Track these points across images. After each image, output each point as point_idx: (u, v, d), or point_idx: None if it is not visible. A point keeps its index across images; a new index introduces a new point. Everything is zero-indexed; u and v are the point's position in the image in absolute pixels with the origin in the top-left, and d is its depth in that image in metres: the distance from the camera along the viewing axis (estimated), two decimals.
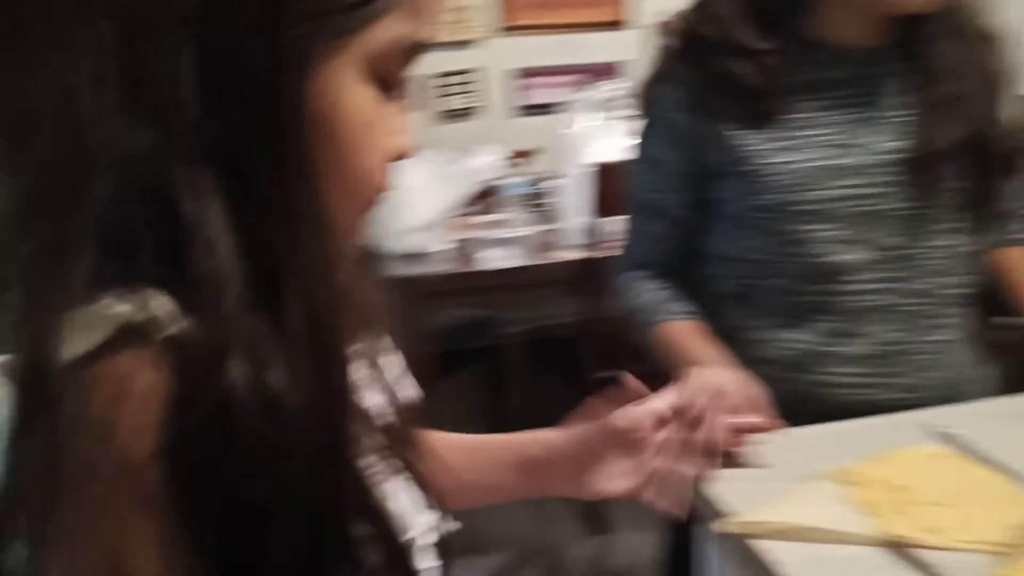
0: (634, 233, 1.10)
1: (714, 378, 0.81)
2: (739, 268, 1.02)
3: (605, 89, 2.24)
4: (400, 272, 2.08)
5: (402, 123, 0.46)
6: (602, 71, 2.89)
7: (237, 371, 0.34)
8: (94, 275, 0.35)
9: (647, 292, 1.06)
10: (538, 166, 2.67)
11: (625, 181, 1.11)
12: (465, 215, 2.37)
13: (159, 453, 0.33)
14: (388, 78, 0.43)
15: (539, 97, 3.09)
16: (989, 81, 0.97)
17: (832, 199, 0.93)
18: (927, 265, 0.96)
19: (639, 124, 1.06)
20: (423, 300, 1.99)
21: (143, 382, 0.33)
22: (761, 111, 0.94)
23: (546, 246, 2.14)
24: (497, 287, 2.09)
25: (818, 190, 0.93)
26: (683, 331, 1.01)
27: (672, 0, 1.05)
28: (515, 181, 2.36)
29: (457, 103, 3.07)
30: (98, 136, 0.36)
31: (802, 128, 0.94)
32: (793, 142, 0.94)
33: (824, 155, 0.93)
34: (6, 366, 0.33)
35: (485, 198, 2.49)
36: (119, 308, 0.34)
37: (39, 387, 0.32)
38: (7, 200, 0.37)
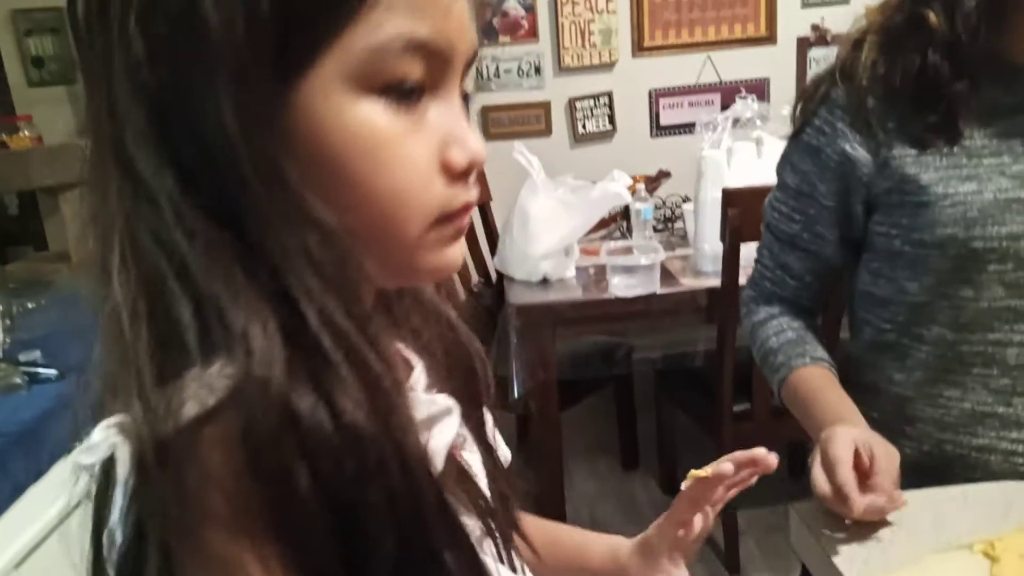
0: (766, 265, 1.03)
1: (847, 444, 0.76)
2: (892, 311, 0.93)
3: (743, 109, 2.16)
4: (529, 300, 2.09)
5: (451, 130, 0.42)
6: (742, 89, 2.79)
7: (302, 403, 0.35)
8: (200, 340, 0.36)
9: (775, 333, 0.99)
10: (672, 190, 2.61)
11: (762, 207, 1.03)
12: (595, 241, 2.36)
13: (265, 496, 0.34)
14: (398, 84, 0.39)
15: (675, 118, 3.03)
16: None
17: (1016, 236, 0.83)
18: None
19: (788, 147, 0.98)
20: (553, 327, 2.01)
21: (241, 438, 0.34)
22: (942, 134, 0.85)
23: (678, 272, 2.08)
24: (627, 314, 2.05)
25: (1002, 226, 0.83)
26: (812, 383, 0.93)
27: (819, 12, 0.96)
28: (648, 206, 2.32)
29: (591, 126, 3.07)
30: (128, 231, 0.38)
31: (988, 155, 0.85)
32: (977, 171, 0.84)
33: (1012, 185, 0.84)
34: (122, 426, 0.35)
35: (617, 223, 2.47)
36: (227, 371, 0.35)
37: (157, 447, 0.34)
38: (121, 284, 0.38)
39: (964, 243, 0.84)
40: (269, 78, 0.36)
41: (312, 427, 0.35)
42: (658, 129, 3.07)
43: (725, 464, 0.62)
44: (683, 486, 0.64)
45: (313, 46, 0.37)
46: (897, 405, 0.93)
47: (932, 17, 0.83)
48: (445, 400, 0.46)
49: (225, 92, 0.36)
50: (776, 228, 1.00)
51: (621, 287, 1.98)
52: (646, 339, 2.36)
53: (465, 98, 0.43)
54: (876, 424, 0.86)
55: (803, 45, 2.94)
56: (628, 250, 2.03)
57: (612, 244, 2.11)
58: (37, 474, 1.20)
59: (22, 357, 1.39)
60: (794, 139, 0.96)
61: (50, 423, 1.23)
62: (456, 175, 0.42)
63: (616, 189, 2.05)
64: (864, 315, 0.98)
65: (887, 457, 0.77)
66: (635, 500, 2.43)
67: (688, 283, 2.01)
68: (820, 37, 2.89)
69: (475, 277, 2.66)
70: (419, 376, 0.46)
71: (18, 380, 1.29)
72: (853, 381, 0.94)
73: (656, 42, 2.97)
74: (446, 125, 0.41)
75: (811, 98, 0.94)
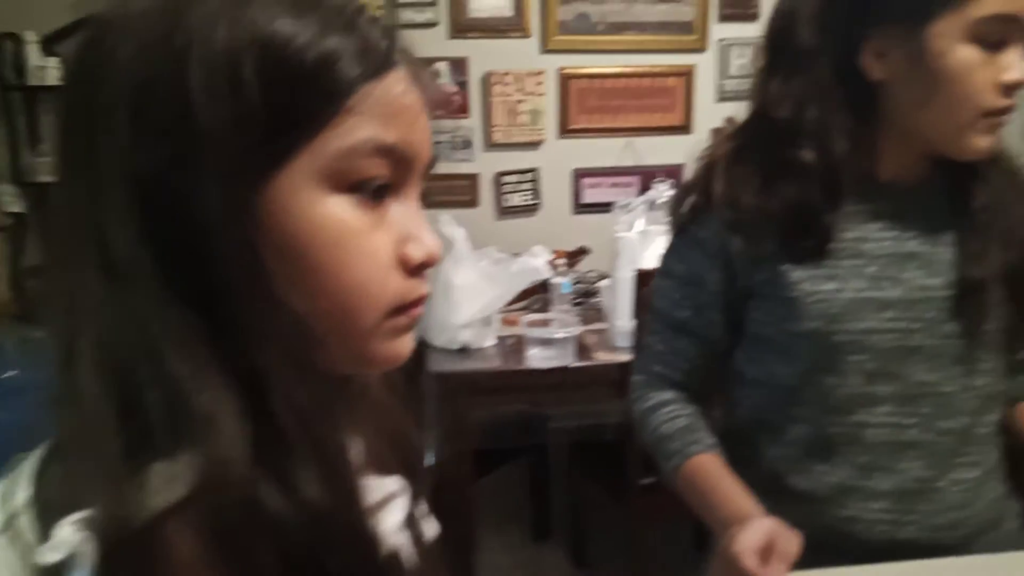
0: (656, 351, 1.07)
1: (755, 537, 0.81)
2: (765, 393, 1.00)
3: (659, 193, 2.29)
4: (449, 367, 2.11)
5: (410, 228, 0.45)
6: (659, 175, 2.94)
7: (264, 487, 0.37)
8: (166, 426, 0.37)
9: (668, 419, 1.03)
10: (592, 265, 2.71)
11: (651, 293, 1.08)
12: (515, 312, 2.41)
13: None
14: (366, 183, 0.42)
15: (597, 197, 3.16)
16: None
17: (872, 331, 0.92)
18: (958, 403, 0.94)
19: (674, 239, 1.04)
20: (471, 395, 2.04)
21: (207, 526, 0.35)
22: (813, 254, 0.93)
23: (593, 347, 2.15)
24: (544, 386, 2.10)
25: (859, 321, 0.92)
26: (709, 472, 0.97)
27: (732, 105, 1.04)
28: (567, 280, 2.40)
29: (517, 200, 3.17)
30: (98, 319, 0.39)
31: (847, 257, 0.93)
32: (838, 271, 0.93)
33: (868, 286, 0.92)
34: (88, 521, 0.35)
35: (536, 295, 2.53)
36: (191, 460, 0.36)
37: (124, 541, 0.34)
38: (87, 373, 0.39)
39: (827, 336, 0.92)
40: (249, 171, 0.40)
41: (273, 509, 0.37)
42: (580, 207, 3.19)
43: None
44: None
45: (292, 146, 0.41)
46: (771, 477, 0.99)
47: (807, 156, 0.91)
48: (394, 483, 0.48)
49: (208, 182, 0.39)
50: (666, 315, 1.05)
51: (538, 358, 2.03)
52: (562, 411, 2.41)
53: (421, 200, 0.47)
54: (753, 496, 0.92)
55: (712, 139, 3.13)
56: (546, 322, 2.10)
57: (531, 316, 2.17)
58: None
59: None
60: (680, 232, 1.03)
61: None
62: (412, 269, 0.45)
63: (535, 264, 2.12)
64: (738, 393, 1.05)
65: (786, 541, 0.81)
66: (544, 573, 2.44)
67: (602, 357, 2.08)
68: None
69: None
70: (356, 459, 0.48)
71: None
72: (730, 454, 0.99)
73: (581, 125, 3.12)
74: (405, 223, 0.45)
75: (697, 196, 1.00)
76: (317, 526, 0.38)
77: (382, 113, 0.42)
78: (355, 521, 0.40)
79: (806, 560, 0.81)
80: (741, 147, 0.98)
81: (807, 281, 0.93)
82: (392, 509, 0.47)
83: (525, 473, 2.58)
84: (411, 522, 0.52)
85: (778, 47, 0.96)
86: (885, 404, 0.93)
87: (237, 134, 0.39)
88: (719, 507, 0.92)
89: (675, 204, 1.04)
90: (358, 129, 0.41)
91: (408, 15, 2.96)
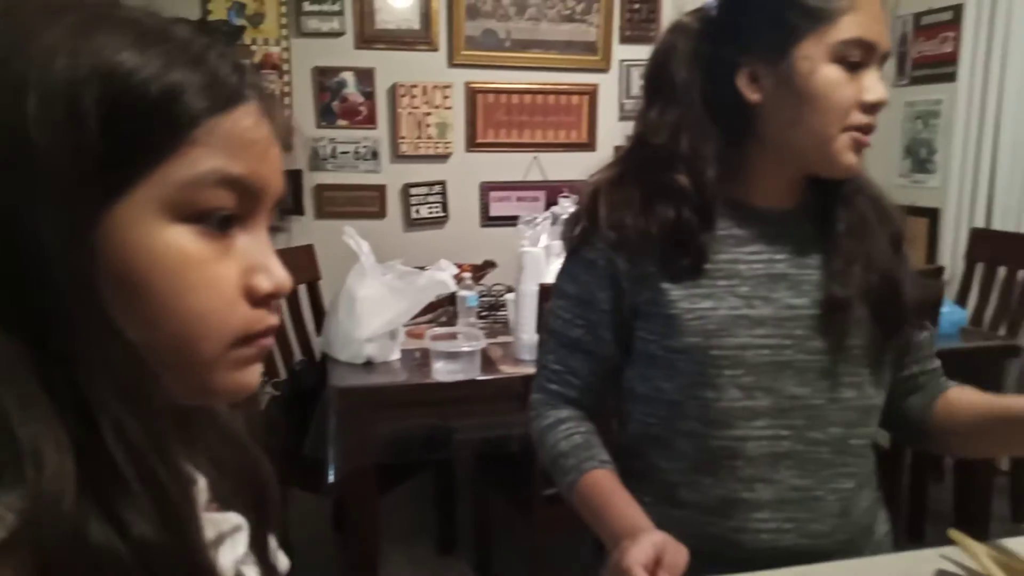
0: (553, 369, 1.10)
1: (645, 551, 0.83)
2: (654, 408, 1.04)
3: (563, 209, 2.34)
4: (353, 382, 2.07)
5: (258, 259, 0.45)
6: (565, 189, 3.00)
7: (93, 523, 0.36)
8: None
9: (564, 436, 1.06)
10: (499, 278, 2.74)
11: (545, 312, 1.11)
12: (421, 325, 2.41)
13: None
14: (210, 214, 0.43)
15: (504, 210, 3.20)
16: (890, 240, 1.05)
17: (744, 347, 0.98)
18: (829, 416, 1.00)
19: (567, 261, 1.08)
20: (375, 410, 2.01)
21: (32, 567, 0.34)
22: (691, 271, 0.99)
23: (499, 360, 2.17)
24: (450, 399, 2.09)
25: (733, 337, 0.97)
26: (602, 488, 1.00)
27: (629, 127, 1.07)
28: (473, 294, 2.42)
29: (425, 212, 3.17)
30: None
31: (722, 278, 0.99)
32: (714, 290, 0.99)
33: (742, 305, 0.98)
34: None
35: (442, 309, 2.54)
36: (14, 501, 0.34)
37: None
38: None
39: (704, 351, 0.98)
40: (87, 199, 0.39)
41: (103, 547, 0.36)
42: (487, 220, 3.22)
43: None
44: None
45: (131, 176, 0.40)
46: (665, 490, 1.03)
47: (682, 180, 0.98)
48: (235, 518, 0.48)
49: (44, 210, 0.38)
50: (561, 334, 1.08)
51: (443, 372, 2.04)
52: (467, 423, 2.42)
53: (273, 230, 0.48)
54: (648, 507, 0.96)
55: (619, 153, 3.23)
56: (452, 336, 2.10)
57: (437, 330, 2.17)
58: None
59: None
60: (572, 254, 1.08)
61: None
62: (259, 300, 0.45)
63: (442, 277, 2.12)
64: (630, 409, 1.09)
65: (674, 554, 0.84)
66: None
67: (507, 370, 2.10)
68: None
69: (298, 356, 2.63)
70: (201, 492, 0.47)
71: None
72: (625, 467, 1.04)
73: (488, 139, 3.15)
74: (253, 254, 0.45)
75: (584, 219, 1.04)
76: (151, 563, 0.37)
77: (229, 145, 0.43)
78: (192, 557, 0.40)
79: (696, 570, 0.85)
80: (623, 172, 1.03)
81: (686, 299, 0.99)
82: (233, 544, 0.47)
83: (430, 486, 2.58)
84: (257, 558, 0.52)
85: (656, 81, 1.03)
86: (762, 418, 0.99)
87: (74, 163, 0.38)
88: (611, 522, 0.95)
89: (567, 228, 1.08)
90: (202, 160, 0.42)
91: (314, 23, 2.93)
